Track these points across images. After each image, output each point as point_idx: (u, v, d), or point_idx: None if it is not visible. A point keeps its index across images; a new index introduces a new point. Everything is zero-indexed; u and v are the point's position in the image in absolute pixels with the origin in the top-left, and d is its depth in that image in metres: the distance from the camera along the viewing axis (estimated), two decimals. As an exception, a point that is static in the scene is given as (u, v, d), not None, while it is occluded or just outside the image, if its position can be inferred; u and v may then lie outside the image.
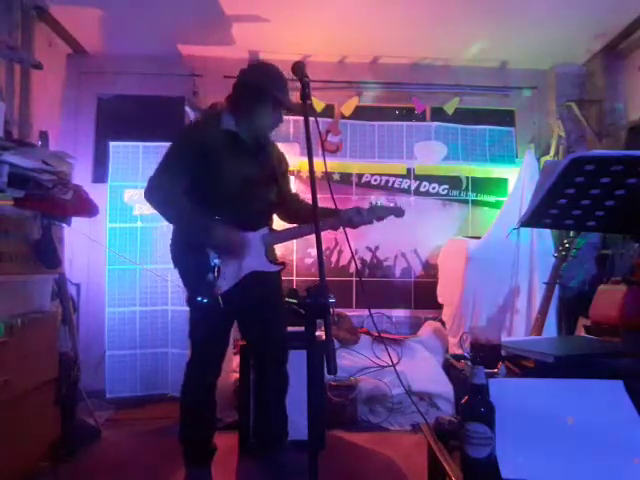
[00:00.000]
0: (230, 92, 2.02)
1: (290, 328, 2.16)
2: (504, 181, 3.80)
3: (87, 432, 2.58)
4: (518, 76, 3.84)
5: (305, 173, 3.61)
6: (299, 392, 1.68)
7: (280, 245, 2.19)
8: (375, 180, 3.78)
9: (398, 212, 2.09)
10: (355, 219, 1.98)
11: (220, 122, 1.97)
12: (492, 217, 3.62)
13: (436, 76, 3.79)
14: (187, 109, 3.48)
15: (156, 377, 3.22)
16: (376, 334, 3.17)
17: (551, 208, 1.23)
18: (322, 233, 1.28)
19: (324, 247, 3.56)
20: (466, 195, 3.79)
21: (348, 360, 3.05)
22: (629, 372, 1.24)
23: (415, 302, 3.72)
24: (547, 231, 3.28)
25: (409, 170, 3.78)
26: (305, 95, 1.41)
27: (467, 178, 3.79)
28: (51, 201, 2.28)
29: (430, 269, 3.71)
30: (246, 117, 1.96)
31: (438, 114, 3.82)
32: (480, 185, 3.80)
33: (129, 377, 3.19)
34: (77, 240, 3.08)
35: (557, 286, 2.84)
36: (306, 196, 2.05)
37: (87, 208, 2.53)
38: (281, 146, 2.29)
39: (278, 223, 2.21)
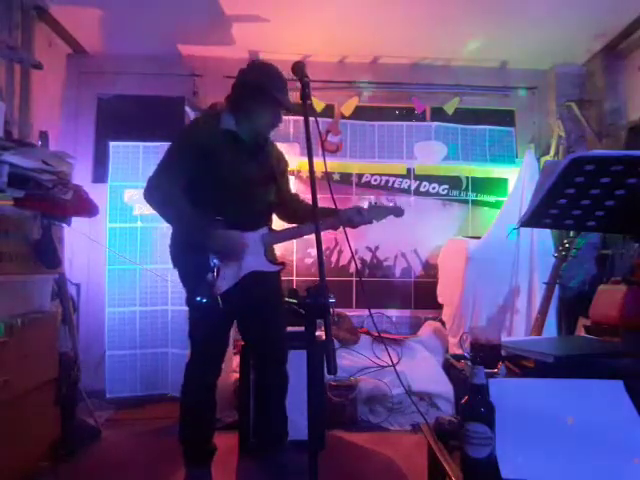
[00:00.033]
0: (230, 92, 2.02)
1: (290, 328, 2.16)
2: (504, 181, 3.80)
3: (87, 432, 2.58)
4: (518, 76, 3.84)
5: (305, 173, 3.61)
6: (299, 392, 1.68)
7: (280, 245, 2.19)
8: (375, 180, 3.78)
9: (398, 212, 2.09)
10: (355, 219, 1.99)
11: (219, 122, 1.97)
12: (492, 217, 3.62)
13: (436, 76, 3.79)
14: (187, 109, 3.48)
15: (156, 377, 3.22)
16: (376, 334, 3.17)
17: (551, 208, 1.23)
18: (322, 233, 1.28)
19: (324, 247, 3.56)
20: (466, 195, 3.79)
21: (348, 360, 3.05)
22: (629, 372, 1.24)
23: (415, 302, 3.72)
24: (547, 231, 3.27)
25: (409, 170, 3.78)
26: (305, 95, 1.41)
27: (467, 178, 3.79)
28: (51, 201, 2.28)
29: (430, 269, 3.71)
30: (245, 117, 1.96)
31: (438, 114, 3.82)
32: (480, 185, 3.80)
33: (129, 377, 3.19)
34: (77, 240, 3.08)
35: (557, 286, 2.84)
36: (306, 196, 2.05)
37: (87, 208, 2.53)
38: (281, 146, 2.29)
39: (277, 223, 2.21)
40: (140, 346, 3.22)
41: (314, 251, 2.84)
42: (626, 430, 1.11)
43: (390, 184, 3.78)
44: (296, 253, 3.63)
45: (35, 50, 3.04)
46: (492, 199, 3.80)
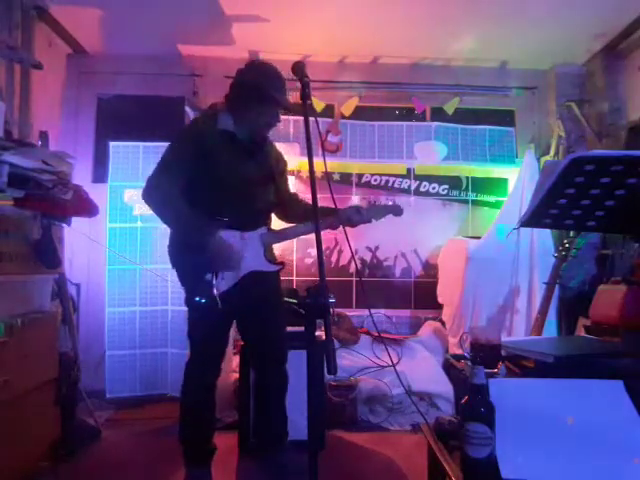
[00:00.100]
0: (228, 92, 2.02)
1: (290, 328, 2.15)
2: (504, 181, 3.80)
3: (87, 432, 2.58)
4: (518, 76, 3.84)
5: (305, 173, 3.61)
6: (299, 392, 1.68)
7: (280, 245, 2.19)
8: (375, 180, 3.78)
9: (397, 210, 2.09)
10: (354, 218, 1.99)
11: (217, 122, 1.96)
12: (492, 217, 3.62)
13: (436, 76, 3.79)
14: (187, 109, 3.48)
15: (156, 377, 3.22)
16: (376, 334, 3.17)
17: (551, 208, 1.23)
18: (322, 233, 1.28)
19: (324, 247, 3.56)
20: (466, 195, 3.79)
21: (348, 360, 3.05)
22: (629, 372, 1.24)
23: (415, 302, 3.72)
24: (547, 231, 3.28)
25: (409, 170, 3.78)
26: (305, 95, 1.41)
27: (467, 178, 3.80)
28: (51, 201, 2.28)
29: (430, 269, 3.71)
30: (243, 117, 1.96)
31: (438, 114, 3.82)
32: (480, 185, 3.80)
33: (129, 377, 3.19)
34: (77, 240, 3.08)
35: (557, 286, 2.84)
36: (306, 196, 2.05)
37: (87, 208, 2.53)
38: (281, 146, 2.29)
39: (277, 223, 2.21)
40: (140, 346, 3.22)
41: (314, 251, 2.84)
42: (626, 430, 1.11)
43: (390, 184, 3.78)
44: (296, 253, 3.63)
45: (35, 50, 3.04)
46: (492, 199, 3.80)
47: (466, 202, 3.80)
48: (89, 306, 3.34)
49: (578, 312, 2.89)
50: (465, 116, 3.82)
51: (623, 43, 3.39)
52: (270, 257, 2.05)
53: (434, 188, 3.79)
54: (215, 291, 1.86)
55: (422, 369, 3.03)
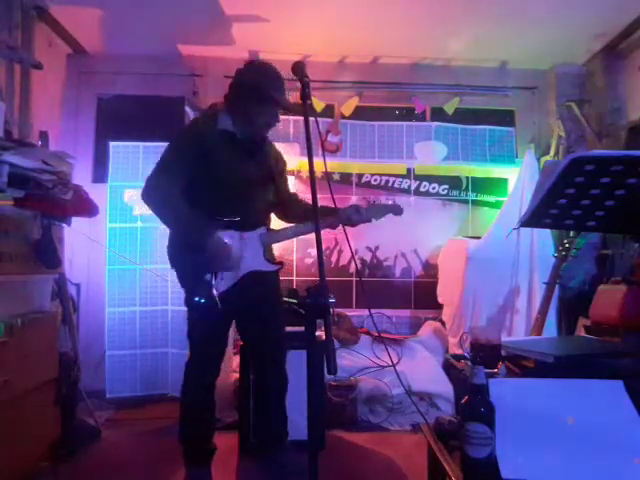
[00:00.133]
0: (227, 92, 2.02)
1: (290, 328, 2.15)
2: (504, 181, 3.80)
3: (87, 432, 2.58)
4: (518, 76, 3.84)
5: (305, 173, 3.61)
6: (299, 392, 1.68)
7: (280, 245, 2.18)
8: (375, 180, 3.78)
9: (396, 210, 2.09)
10: (354, 217, 1.98)
11: (217, 122, 1.96)
12: (492, 217, 3.62)
13: (436, 76, 3.79)
14: (187, 109, 3.48)
15: (156, 377, 3.22)
16: (376, 334, 3.17)
17: (551, 208, 1.23)
18: (321, 232, 1.28)
19: (324, 247, 3.56)
20: (466, 195, 3.79)
21: (348, 360, 3.05)
22: (629, 372, 1.24)
23: (415, 302, 3.72)
24: (547, 231, 3.27)
25: (409, 170, 3.78)
26: (305, 95, 1.41)
27: (467, 178, 3.79)
28: (51, 201, 2.28)
29: (430, 269, 3.71)
30: (242, 117, 1.96)
31: (438, 114, 3.82)
32: (480, 185, 3.80)
33: (129, 377, 3.19)
34: (77, 240, 3.08)
35: (557, 286, 2.84)
36: (306, 196, 2.05)
37: (87, 208, 2.53)
38: (281, 146, 2.29)
39: (276, 223, 2.21)
40: (140, 346, 3.22)
41: (314, 251, 2.85)
42: (626, 430, 1.11)
43: (390, 184, 3.78)
44: (296, 253, 3.63)
45: (35, 50, 3.04)
46: (492, 199, 3.80)
47: (466, 202, 3.80)
48: (89, 306, 3.34)
49: (578, 312, 2.89)
50: (465, 116, 3.82)
51: (623, 43, 3.39)
52: (269, 257, 2.05)
53: (434, 188, 3.79)
54: (214, 291, 1.86)
55: (422, 369, 3.02)
